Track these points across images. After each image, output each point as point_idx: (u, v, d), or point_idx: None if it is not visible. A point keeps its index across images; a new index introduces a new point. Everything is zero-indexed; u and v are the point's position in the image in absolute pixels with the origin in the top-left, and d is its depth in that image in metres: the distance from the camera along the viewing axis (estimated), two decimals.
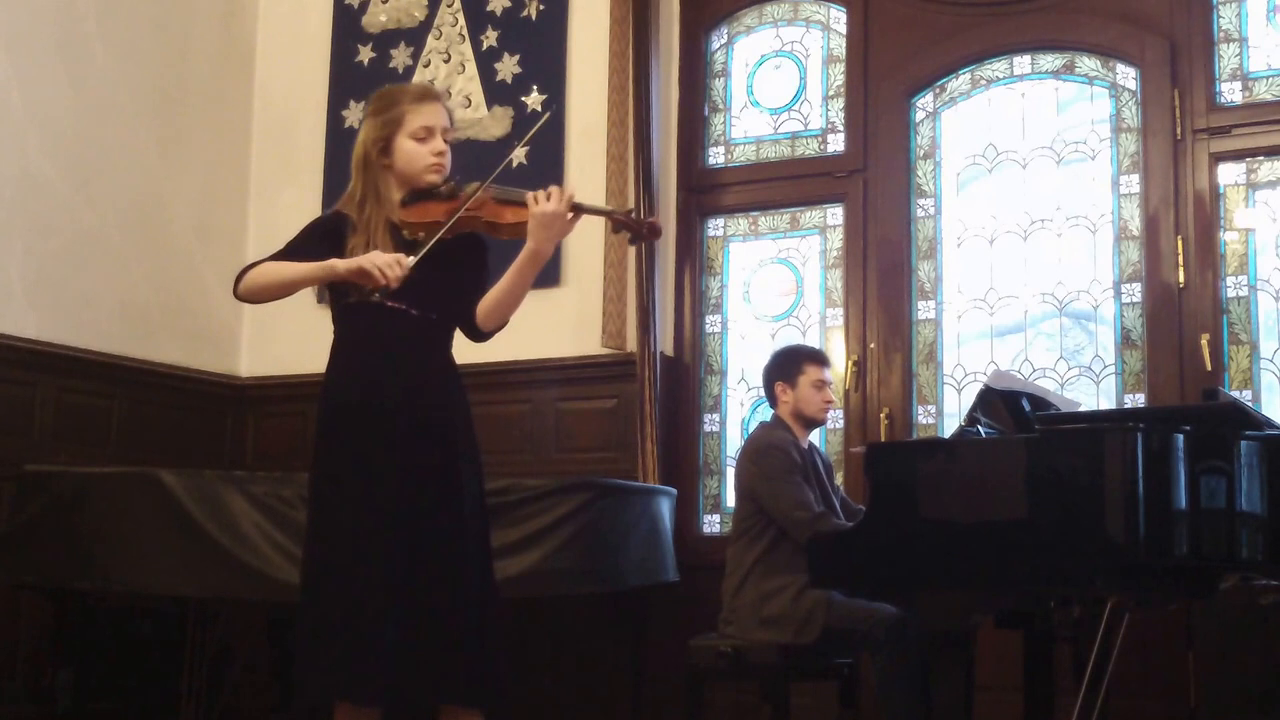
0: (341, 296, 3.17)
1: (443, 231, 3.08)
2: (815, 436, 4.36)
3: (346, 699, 3.04)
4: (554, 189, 3.08)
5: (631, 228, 3.20)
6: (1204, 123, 4.57)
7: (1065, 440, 3.16)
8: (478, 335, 3.24)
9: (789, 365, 4.22)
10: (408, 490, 3.06)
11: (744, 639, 3.99)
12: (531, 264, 3.11)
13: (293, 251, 3.20)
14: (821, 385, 4.19)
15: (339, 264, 3.06)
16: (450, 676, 3.03)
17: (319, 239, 3.22)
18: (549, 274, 4.61)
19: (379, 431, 3.09)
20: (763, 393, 4.38)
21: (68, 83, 5.14)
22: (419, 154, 3.19)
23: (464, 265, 3.20)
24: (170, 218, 5.54)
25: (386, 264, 2.99)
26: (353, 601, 3.00)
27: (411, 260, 3.02)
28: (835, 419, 4.94)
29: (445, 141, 3.22)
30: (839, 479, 4.86)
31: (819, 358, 4.27)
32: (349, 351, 3.18)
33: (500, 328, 3.25)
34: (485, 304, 3.18)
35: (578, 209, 3.12)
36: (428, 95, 3.26)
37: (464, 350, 3.29)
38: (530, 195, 3.08)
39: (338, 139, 5.73)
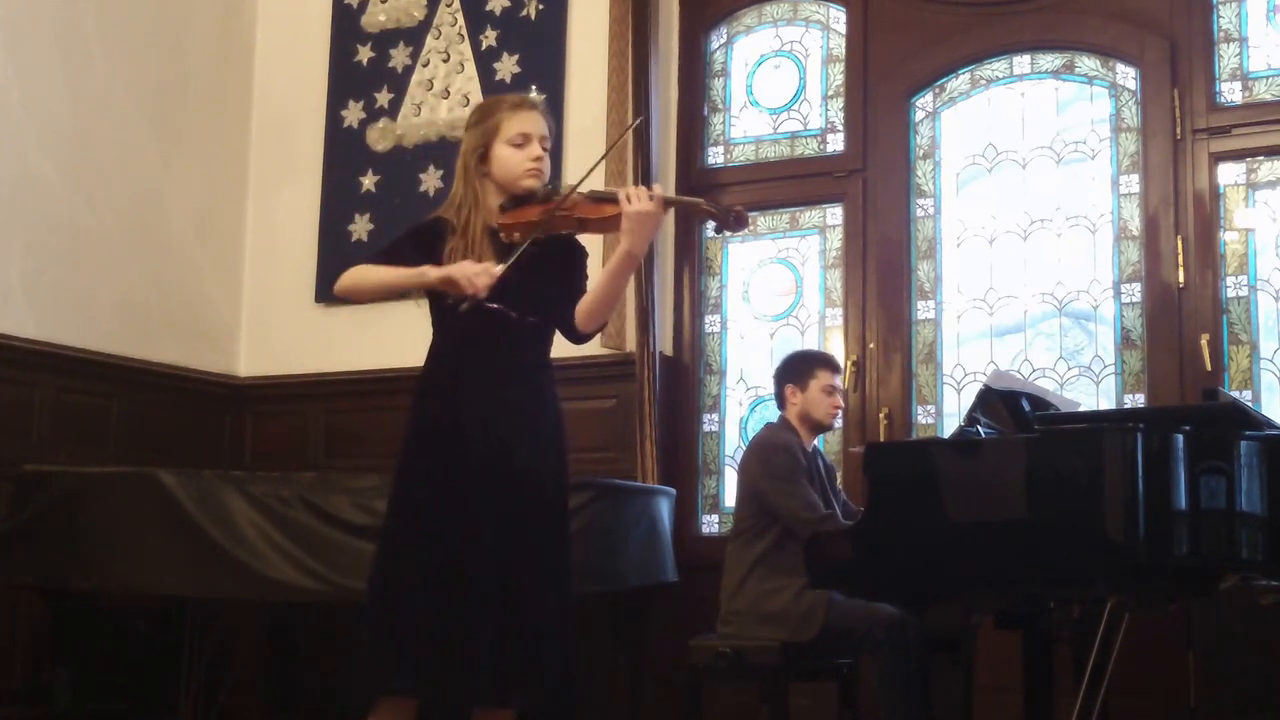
0: (440, 297, 3.20)
1: (537, 231, 3.12)
2: (817, 439, 4.35)
3: (389, 690, 3.06)
4: (642, 188, 3.13)
5: (718, 218, 3.22)
6: (1204, 123, 4.56)
7: (1065, 440, 3.16)
8: (578, 337, 3.31)
9: (801, 368, 4.25)
10: (489, 494, 3.10)
11: (743, 637, 3.99)
12: (627, 264, 3.17)
13: (389, 255, 3.27)
14: (832, 391, 4.21)
15: (430, 271, 3.10)
16: (491, 678, 3.04)
17: (415, 245, 3.28)
18: None
19: (468, 433, 3.14)
20: (769, 393, 4.41)
21: (66, 82, 5.14)
22: (515, 160, 3.24)
23: (562, 269, 3.27)
24: (169, 217, 5.54)
25: (475, 273, 3.04)
26: (423, 599, 3.04)
27: (500, 268, 3.06)
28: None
29: (543, 149, 3.27)
30: (839, 478, 4.86)
31: (832, 364, 4.30)
32: (446, 353, 3.24)
33: (600, 329, 3.34)
34: (584, 306, 3.25)
35: (667, 204, 3.18)
36: (524, 104, 3.33)
37: None
38: (621, 193, 3.12)
39: (337, 139, 5.74)
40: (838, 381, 4.26)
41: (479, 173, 3.27)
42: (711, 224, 3.26)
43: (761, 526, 4.05)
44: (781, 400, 4.27)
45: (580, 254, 3.33)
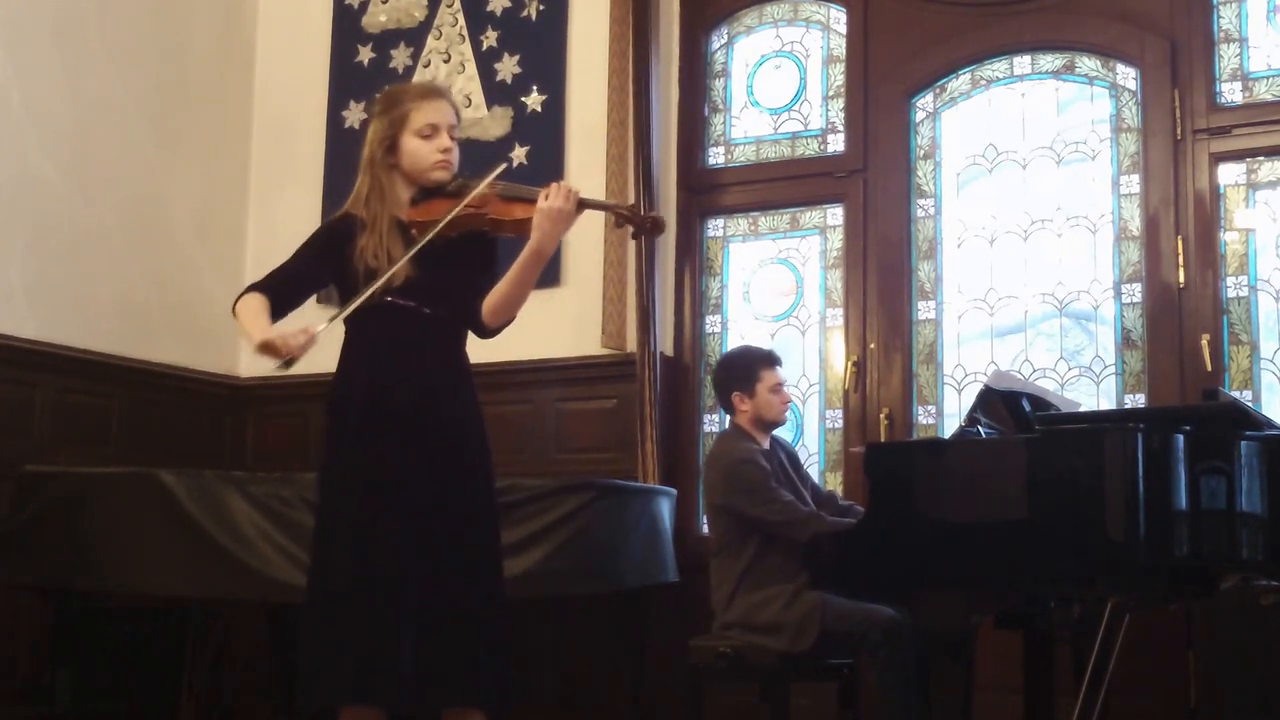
0: (350, 295, 3.16)
1: (440, 228, 3.07)
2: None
3: (354, 701, 3.04)
4: (557, 185, 3.08)
5: (634, 222, 3.19)
6: (1204, 123, 4.57)
7: (1065, 440, 3.16)
8: (484, 332, 3.24)
9: (744, 374, 4.15)
10: (415, 491, 3.06)
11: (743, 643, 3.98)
12: (534, 260, 3.11)
13: (294, 264, 3.23)
14: (779, 388, 4.14)
15: (255, 335, 3.00)
16: (455, 679, 3.03)
17: (321, 249, 3.24)
18: (549, 274, 4.60)
19: (387, 431, 3.09)
20: (718, 401, 4.27)
21: (67, 82, 5.14)
22: (424, 152, 3.19)
23: (472, 262, 3.20)
24: (170, 218, 5.54)
25: (291, 334, 2.96)
26: (358, 604, 3.01)
27: (320, 328, 2.97)
28: (835, 419, 4.95)
29: (451, 138, 3.22)
30: (839, 478, 4.87)
31: (772, 359, 4.21)
32: (358, 351, 3.18)
33: (507, 324, 3.25)
34: (490, 301, 3.18)
35: (582, 204, 3.12)
36: (431, 92, 3.27)
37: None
38: (541, 193, 3.08)
39: (338, 139, 5.74)
40: (781, 375, 4.18)
41: (386, 164, 3.22)
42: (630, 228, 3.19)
43: (740, 540, 3.99)
44: (730, 408, 4.17)
45: (491, 244, 3.24)
